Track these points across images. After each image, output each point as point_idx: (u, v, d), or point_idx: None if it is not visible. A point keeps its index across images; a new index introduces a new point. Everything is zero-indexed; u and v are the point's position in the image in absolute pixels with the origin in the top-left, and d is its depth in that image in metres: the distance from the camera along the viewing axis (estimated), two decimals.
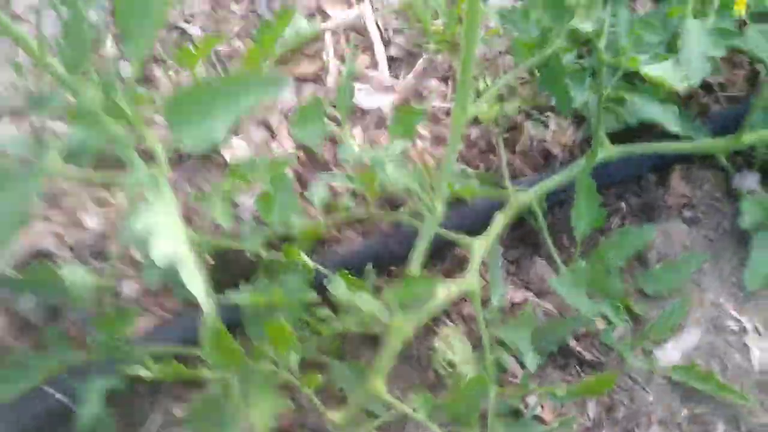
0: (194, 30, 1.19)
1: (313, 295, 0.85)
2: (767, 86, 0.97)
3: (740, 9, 0.80)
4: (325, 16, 1.24)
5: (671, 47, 0.97)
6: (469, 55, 0.75)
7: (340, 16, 1.24)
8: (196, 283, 0.52)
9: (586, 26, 0.88)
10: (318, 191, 0.94)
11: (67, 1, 0.66)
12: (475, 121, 1.12)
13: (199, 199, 0.86)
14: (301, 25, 1.16)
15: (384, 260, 1.01)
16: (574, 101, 1.00)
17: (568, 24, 0.87)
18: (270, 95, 0.60)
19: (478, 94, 1.14)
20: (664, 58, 0.90)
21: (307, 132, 0.77)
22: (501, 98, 1.12)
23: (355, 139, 0.95)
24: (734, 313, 1.01)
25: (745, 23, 0.99)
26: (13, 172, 0.62)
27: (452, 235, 0.96)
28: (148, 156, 0.64)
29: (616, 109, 1.06)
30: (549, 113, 1.14)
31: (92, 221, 0.97)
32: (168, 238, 0.50)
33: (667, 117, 0.97)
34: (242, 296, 0.80)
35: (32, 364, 0.84)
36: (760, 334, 0.99)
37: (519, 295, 1.02)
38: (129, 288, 0.93)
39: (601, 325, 0.98)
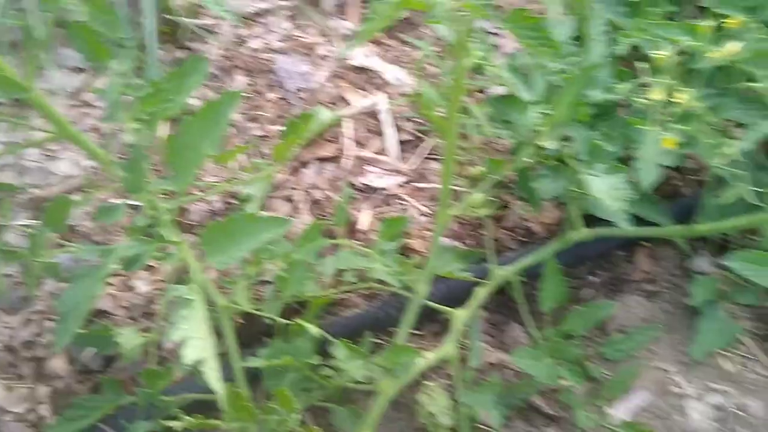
0: (235, 115, 1.42)
1: (317, 359, 1.05)
2: (710, 187, 1.14)
3: (669, 144, 0.96)
4: (346, 103, 1.45)
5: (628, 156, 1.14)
6: (449, 168, 0.96)
7: (358, 103, 1.44)
8: (213, 378, 0.73)
9: (550, 145, 1.07)
10: (328, 267, 1.14)
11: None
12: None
13: (225, 282, 1.08)
14: (323, 115, 1.38)
15: (384, 323, 1.22)
16: (549, 192, 1.18)
17: (534, 142, 1.06)
18: (280, 231, 0.81)
19: (474, 180, 1.32)
20: (619, 169, 1.08)
21: (306, 249, 0.97)
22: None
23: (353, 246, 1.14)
24: (679, 379, 1.18)
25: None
26: (84, 272, 0.85)
27: (438, 307, 1.16)
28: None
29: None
30: None
31: (142, 286, 1.21)
32: (195, 347, 0.71)
33: (617, 216, 1.13)
34: (258, 361, 1.01)
35: (91, 405, 1.07)
36: (698, 399, 1.16)
37: (495, 357, 1.21)
38: (170, 344, 1.15)
39: (565, 383, 1.16)
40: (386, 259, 1.04)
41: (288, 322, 1.10)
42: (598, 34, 1.16)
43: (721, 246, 1.29)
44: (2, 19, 1.19)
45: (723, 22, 1.00)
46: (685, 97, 0.93)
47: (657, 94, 0.92)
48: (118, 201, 1.10)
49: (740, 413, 1.15)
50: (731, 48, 0.92)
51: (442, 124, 0.92)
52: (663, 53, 0.95)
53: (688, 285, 1.25)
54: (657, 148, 1.12)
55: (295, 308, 1.22)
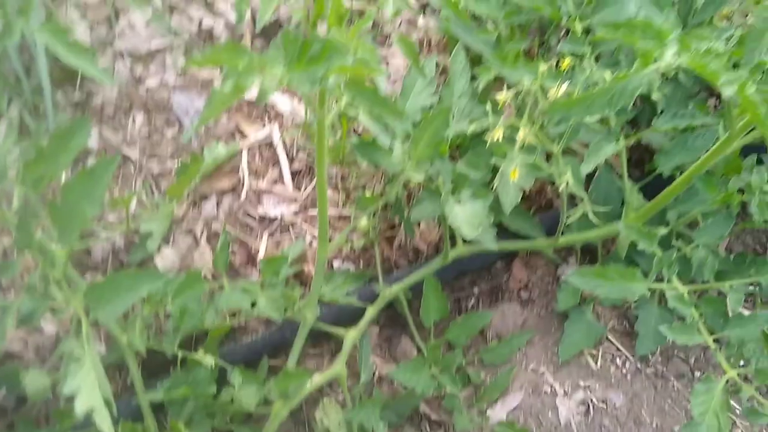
0: (133, 153, 1.48)
1: (213, 388, 1.14)
2: (565, 204, 1.26)
3: (514, 176, 1.08)
4: (242, 136, 1.53)
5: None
6: (324, 208, 1.06)
7: (254, 135, 1.52)
8: (104, 425, 0.81)
9: (417, 177, 1.17)
10: (223, 303, 1.22)
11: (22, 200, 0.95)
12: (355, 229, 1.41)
13: (125, 321, 1.15)
14: (218, 151, 1.45)
15: (282, 346, 1.31)
16: (422, 217, 1.29)
17: (403, 176, 1.16)
18: (156, 285, 0.89)
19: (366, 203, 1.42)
20: (483, 194, 1.19)
21: (187, 296, 1.05)
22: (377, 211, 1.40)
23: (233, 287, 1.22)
24: (550, 379, 1.31)
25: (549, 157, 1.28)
26: None
27: (329, 328, 1.26)
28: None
29: None
30: None
31: (50, 327, 1.27)
32: (87, 397, 0.80)
33: (484, 238, 1.25)
34: (158, 394, 1.09)
35: None
36: (567, 396, 1.29)
37: (386, 369, 1.32)
38: None
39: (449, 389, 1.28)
40: (271, 293, 1.13)
41: (186, 353, 1.18)
42: (459, 70, 1.27)
43: (587, 253, 1.43)
44: None
45: (558, 62, 1.12)
46: (523, 132, 1.04)
47: (497, 134, 1.03)
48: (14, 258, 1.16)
49: (603, 406, 1.29)
50: (563, 88, 1.03)
51: (317, 165, 1.01)
52: (503, 94, 1.06)
53: (557, 292, 1.38)
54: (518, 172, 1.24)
55: (199, 337, 1.30)
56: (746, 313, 1.16)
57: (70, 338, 0.92)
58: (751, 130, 1.09)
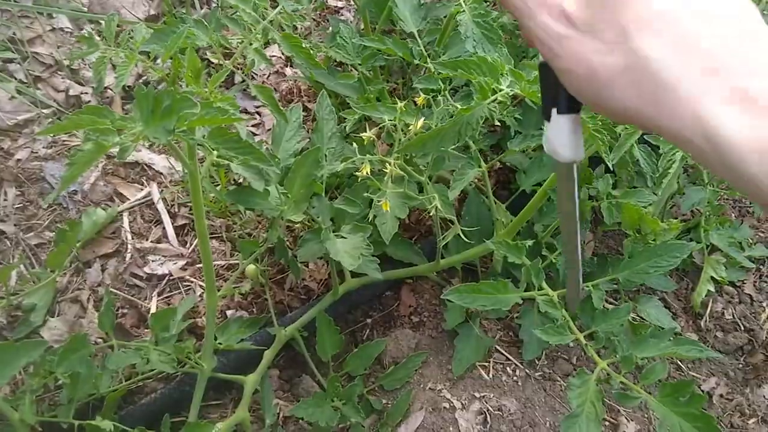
0: (9, 228, 1.45)
1: None
2: (438, 230, 1.35)
3: (386, 207, 1.15)
4: (122, 198, 1.53)
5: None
6: (207, 259, 1.08)
7: (133, 197, 1.53)
8: None
9: (296, 218, 1.22)
10: (113, 363, 1.21)
11: None
12: (243, 275, 1.44)
13: (14, 394, 1.12)
14: (98, 215, 1.45)
15: (182, 402, 1.30)
16: (309, 256, 1.33)
17: (282, 218, 1.21)
18: (35, 355, 0.88)
19: (249, 248, 1.45)
20: (361, 228, 1.25)
21: (74, 360, 1.05)
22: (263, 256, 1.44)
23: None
24: (447, 395, 1.37)
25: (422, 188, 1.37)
26: None
27: (228, 377, 1.27)
28: None
29: None
30: None
31: None
32: None
33: (368, 268, 1.31)
34: None
35: None
36: (465, 409, 1.35)
37: (290, 410, 1.34)
38: None
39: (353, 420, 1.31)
40: (163, 347, 1.13)
41: (82, 422, 1.16)
42: (326, 114, 1.34)
43: (469, 273, 1.52)
44: None
45: (415, 100, 1.21)
46: (390, 167, 1.12)
47: (365, 169, 1.10)
48: None
49: (499, 413, 1.36)
50: (420, 123, 1.12)
51: (195, 217, 1.04)
52: (366, 134, 1.13)
53: (444, 312, 1.45)
54: (393, 202, 1.31)
55: (96, 405, 1.28)
56: (611, 308, 1.27)
57: None
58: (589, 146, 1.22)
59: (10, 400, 1.15)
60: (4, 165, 1.51)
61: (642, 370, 1.12)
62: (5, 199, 1.48)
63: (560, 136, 0.52)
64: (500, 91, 0.94)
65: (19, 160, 1.52)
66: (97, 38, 0.94)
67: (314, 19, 1.94)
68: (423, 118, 1.14)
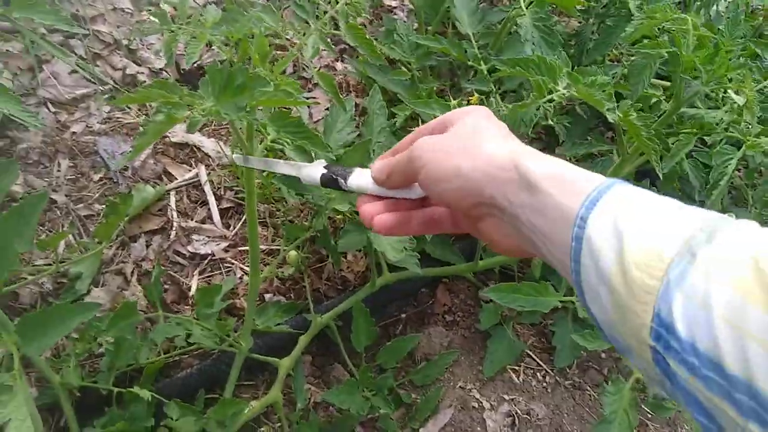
0: (60, 198, 1.49)
1: (151, 422, 1.15)
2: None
3: None
4: (171, 177, 1.57)
5: None
6: (255, 241, 1.10)
7: (181, 176, 1.56)
8: None
9: (342, 208, 1.24)
10: (158, 335, 1.24)
11: None
12: (285, 260, 1.46)
13: (58, 358, 1.16)
14: (147, 192, 1.48)
15: (216, 379, 1.33)
16: (349, 247, 1.35)
17: (329, 206, 1.23)
18: (88, 317, 0.91)
19: (294, 233, 1.47)
20: None
21: (122, 327, 1.07)
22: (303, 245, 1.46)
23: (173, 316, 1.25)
24: (477, 395, 1.38)
25: None
26: None
27: (264, 358, 1.29)
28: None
29: None
30: None
31: None
32: (16, 428, 0.80)
33: (408, 263, 1.32)
34: (95, 431, 1.10)
35: None
36: (493, 410, 1.36)
37: (321, 395, 1.36)
38: None
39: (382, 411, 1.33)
40: (205, 323, 1.16)
41: (122, 390, 1.19)
42: (377, 108, 1.36)
43: (505, 276, 1.53)
44: None
45: (469, 99, 1.22)
46: None
47: None
48: None
49: (528, 417, 1.36)
50: None
51: (247, 199, 1.06)
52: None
53: (479, 313, 1.46)
54: None
55: (133, 375, 1.31)
56: None
57: (1, 373, 0.92)
58: (641, 155, 1.22)
59: (53, 362, 1.18)
60: (60, 137, 1.55)
61: None
62: (59, 170, 1.52)
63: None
64: (556, 91, 0.95)
65: (74, 133, 1.57)
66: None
67: (367, 17, 1.96)
68: None
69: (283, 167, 0.74)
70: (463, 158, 0.52)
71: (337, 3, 1.02)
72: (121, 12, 1.74)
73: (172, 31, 0.95)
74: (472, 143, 0.53)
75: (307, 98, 1.75)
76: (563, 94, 0.94)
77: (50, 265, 1.36)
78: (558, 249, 0.46)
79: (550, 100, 0.95)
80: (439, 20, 1.69)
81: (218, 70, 0.78)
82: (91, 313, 0.89)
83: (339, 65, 1.85)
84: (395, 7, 1.98)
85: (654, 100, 1.32)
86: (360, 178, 0.63)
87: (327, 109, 1.70)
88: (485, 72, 1.38)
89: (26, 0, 1.14)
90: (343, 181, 0.64)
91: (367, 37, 1.01)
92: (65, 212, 1.47)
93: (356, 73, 1.72)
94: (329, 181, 0.65)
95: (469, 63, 1.37)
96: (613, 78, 1.30)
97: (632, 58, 1.27)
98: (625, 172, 1.21)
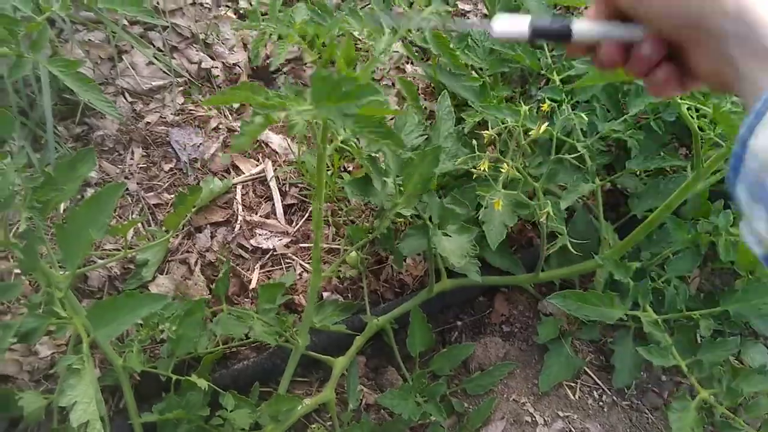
0: (132, 185, 1.53)
1: (206, 411, 1.17)
2: (544, 240, 1.33)
3: (498, 206, 1.15)
4: (238, 171, 1.60)
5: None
6: (318, 239, 1.11)
7: (248, 171, 1.59)
8: None
9: (406, 212, 1.24)
10: (221, 328, 1.27)
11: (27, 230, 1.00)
12: (345, 260, 1.47)
13: (122, 343, 1.19)
14: (214, 184, 1.51)
15: (272, 373, 1.35)
16: (411, 250, 1.35)
17: (394, 209, 1.23)
18: (156, 307, 0.94)
19: (356, 234, 1.47)
20: (468, 229, 1.26)
21: (189, 322, 1.10)
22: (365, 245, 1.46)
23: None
24: (531, 409, 1.36)
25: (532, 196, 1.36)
26: None
27: (319, 356, 1.30)
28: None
29: None
30: None
31: (45, 350, 1.30)
32: (82, 411, 0.83)
33: (469, 270, 1.31)
34: (152, 416, 1.13)
35: None
36: (547, 426, 1.34)
37: (373, 398, 1.36)
38: None
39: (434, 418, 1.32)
40: (266, 318, 1.17)
41: (180, 377, 1.22)
42: (445, 113, 1.35)
43: (566, 289, 1.49)
44: None
45: (540, 106, 1.20)
46: (506, 167, 1.11)
47: (483, 166, 1.11)
48: (16, 279, 1.20)
49: None
50: (543, 127, 1.11)
51: (314, 196, 1.07)
52: (488, 132, 1.13)
53: (538, 325, 1.44)
54: (503, 211, 1.31)
55: (191, 363, 1.34)
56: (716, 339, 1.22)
57: (69, 355, 0.95)
58: (716, 171, 1.17)
59: (117, 346, 1.22)
60: (135, 126, 1.60)
61: (741, 407, 1.09)
62: (132, 159, 1.57)
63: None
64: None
65: (148, 123, 1.61)
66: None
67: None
68: (546, 123, 1.13)
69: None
70: None
71: (421, 9, 1.02)
72: (200, 6, 1.78)
73: (262, 30, 0.97)
74: None
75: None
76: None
77: (119, 250, 1.40)
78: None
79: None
80: None
81: (324, 75, 0.78)
82: (160, 304, 0.92)
83: (408, 67, 1.85)
84: (468, 11, 1.96)
85: None
86: (581, 24, 0.58)
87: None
88: (558, 81, 1.36)
89: None
90: (568, 30, 0.58)
91: (451, 46, 1.01)
92: (136, 200, 1.52)
93: (425, 76, 1.71)
94: (545, 34, 0.58)
95: (542, 72, 1.35)
96: None
97: None
98: (698, 189, 1.17)
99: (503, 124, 1.21)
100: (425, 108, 1.74)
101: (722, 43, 0.49)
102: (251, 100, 0.75)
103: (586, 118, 1.19)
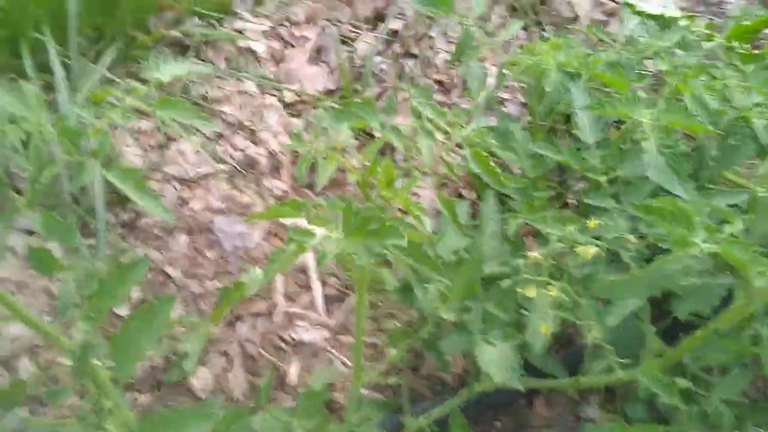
0: (176, 273, 1.55)
1: None
2: (590, 353, 1.31)
3: (545, 330, 1.14)
4: None
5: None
6: (359, 348, 1.11)
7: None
8: None
9: (449, 315, 1.24)
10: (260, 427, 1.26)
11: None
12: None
13: None
14: (256, 274, 1.53)
15: None
16: (453, 351, 1.34)
17: (434, 314, 1.23)
18: (206, 424, 0.94)
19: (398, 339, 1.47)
20: (511, 336, 1.25)
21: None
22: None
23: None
24: None
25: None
26: None
27: None
28: None
29: None
30: None
31: None
32: None
33: (512, 378, 1.29)
34: None
35: None
36: None
37: None
38: None
39: None
40: (305, 422, 1.17)
41: None
42: (490, 213, 1.36)
43: (609, 391, 1.47)
44: None
45: (587, 223, 1.20)
46: (554, 290, 1.11)
47: (530, 291, 1.11)
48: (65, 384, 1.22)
49: None
50: (591, 251, 1.11)
51: (358, 307, 1.08)
52: (535, 254, 1.13)
53: (579, 430, 1.41)
54: (545, 314, 1.30)
55: None
56: None
57: None
58: None
59: None
60: (181, 213, 1.63)
61: None
62: (176, 246, 1.59)
63: None
64: (695, 246, 0.92)
65: (193, 210, 1.64)
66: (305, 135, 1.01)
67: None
68: (596, 248, 1.13)
69: None
70: None
71: (463, 129, 1.05)
72: (246, 95, 1.83)
73: (307, 151, 1.00)
74: None
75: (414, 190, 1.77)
76: (703, 250, 0.90)
77: (163, 342, 1.42)
78: None
79: (693, 256, 0.92)
80: (553, 118, 1.68)
81: (353, 210, 0.80)
82: (211, 421, 0.92)
83: (449, 156, 1.87)
84: (507, 100, 1.99)
85: None
86: None
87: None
88: (605, 184, 1.36)
89: (169, 99, 1.22)
90: None
91: (492, 165, 1.02)
92: (179, 288, 1.53)
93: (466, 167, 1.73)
94: None
95: (589, 175, 1.36)
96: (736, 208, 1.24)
97: (760, 190, 1.21)
98: (752, 309, 1.15)
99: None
100: (461, 196, 1.76)
101: None
102: (294, 215, 0.77)
103: (635, 241, 1.18)
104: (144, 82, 1.18)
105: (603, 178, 1.35)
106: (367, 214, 0.77)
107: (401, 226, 0.79)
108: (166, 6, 1.85)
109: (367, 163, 1.00)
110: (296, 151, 1.80)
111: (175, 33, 1.83)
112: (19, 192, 1.57)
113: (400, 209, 1.01)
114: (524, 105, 1.96)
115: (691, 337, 1.22)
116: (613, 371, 1.34)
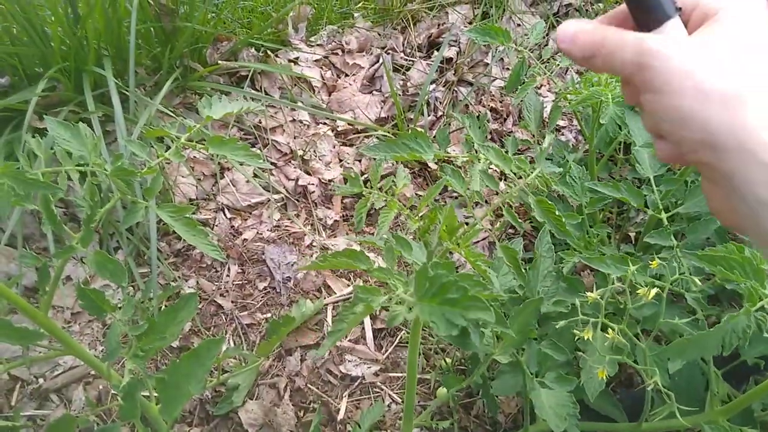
0: (227, 303, 1.56)
1: None
2: (651, 398, 1.25)
3: (602, 375, 1.09)
4: (330, 291, 1.60)
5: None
6: (411, 395, 1.08)
7: (340, 291, 1.59)
8: None
9: (504, 358, 1.20)
10: None
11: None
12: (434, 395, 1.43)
13: None
14: (306, 307, 1.52)
15: None
16: (505, 392, 1.30)
17: (491, 357, 1.19)
18: None
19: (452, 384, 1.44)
20: (567, 380, 1.20)
21: None
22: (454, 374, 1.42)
23: None
24: None
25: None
26: None
27: None
28: None
29: None
30: None
31: None
32: None
33: (572, 426, 1.24)
34: None
35: None
36: None
37: None
38: None
39: None
40: None
41: None
42: (544, 251, 1.31)
43: None
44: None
45: (650, 263, 1.15)
46: (612, 333, 1.06)
47: (587, 334, 1.06)
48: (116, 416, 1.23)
49: None
50: (652, 293, 1.06)
51: (409, 361, 1.06)
52: (591, 294, 1.09)
53: None
54: (602, 357, 1.25)
55: None
56: None
57: None
58: None
59: None
60: (233, 242, 1.64)
61: None
62: (228, 275, 1.60)
63: None
64: (765, 297, 0.86)
65: (245, 239, 1.65)
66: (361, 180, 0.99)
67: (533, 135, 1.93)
68: (656, 290, 1.08)
69: None
70: (718, 110, 0.42)
71: (528, 175, 1.01)
72: (299, 123, 1.84)
73: (363, 195, 0.98)
74: (735, 86, 0.42)
75: (464, 217, 1.74)
76: None
77: (213, 376, 1.42)
78: None
79: (761, 308, 0.87)
80: (611, 150, 1.63)
81: (429, 275, 0.73)
82: None
83: (502, 185, 1.83)
84: (563, 127, 1.94)
85: None
86: None
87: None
88: (665, 221, 1.30)
89: (220, 138, 1.22)
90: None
91: (557, 214, 0.98)
92: (230, 318, 1.54)
93: (520, 198, 1.69)
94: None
95: (649, 212, 1.30)
96: None
97: None
98: None
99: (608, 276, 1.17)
100: (513, 228, 1.71)
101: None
102: (351, 266, 0.74)
103: (699, 283, 1.12)
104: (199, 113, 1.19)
105: (664, 216, 1.29)
106: (445, 280, 0.70)
107: (481, 289, 0.75)
108: (222, 37, 1.87)
109: (425, 207, 0.97)
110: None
111: (230, 64, 1.85)
112: (77, 220, 1.61)
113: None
114: (581, 132, 1.91)
115: (761, 386, 1.15)
116: (675, 417, 1.28)
